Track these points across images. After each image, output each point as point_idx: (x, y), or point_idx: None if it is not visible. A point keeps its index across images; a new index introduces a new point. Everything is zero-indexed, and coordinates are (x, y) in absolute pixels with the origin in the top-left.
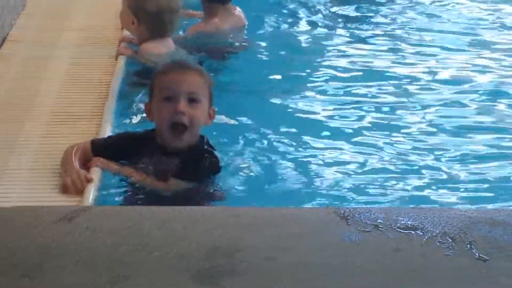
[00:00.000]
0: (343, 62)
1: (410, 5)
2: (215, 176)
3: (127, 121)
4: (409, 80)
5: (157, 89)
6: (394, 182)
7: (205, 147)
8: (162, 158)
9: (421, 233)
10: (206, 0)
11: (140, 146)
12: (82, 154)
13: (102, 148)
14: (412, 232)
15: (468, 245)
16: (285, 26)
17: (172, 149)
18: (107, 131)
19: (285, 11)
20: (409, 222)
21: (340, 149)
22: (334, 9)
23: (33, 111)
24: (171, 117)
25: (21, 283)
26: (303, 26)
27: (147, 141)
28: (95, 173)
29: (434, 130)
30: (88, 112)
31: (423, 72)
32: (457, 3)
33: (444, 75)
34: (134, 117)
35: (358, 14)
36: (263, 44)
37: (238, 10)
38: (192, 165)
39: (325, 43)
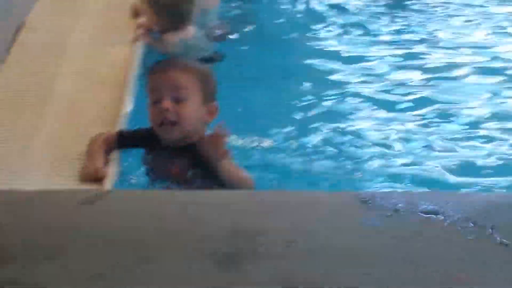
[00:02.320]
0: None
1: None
2: None
3: (145, 107)
4: (431, 62)
5: (147, 90)
6: (415, 166)
7: None
8: (168, 156)
9: (442, 218)
10: None
11: (150, 143)
12: (107, 143)
13: (127, 140)
14: (433, 216)
15: (490, 230)
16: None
17: (177, 147)
18: (125, 118)
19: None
20: (430, 207)
21: (360, 133)
22: None
23: (51, 97)
24: (159, 118)
25: (45, 265)
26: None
27: (156, 138)
28: (114, 159)
29: (457, 115)
30: (106, 98)
31: (445, 54)
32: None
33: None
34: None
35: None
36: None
37: None
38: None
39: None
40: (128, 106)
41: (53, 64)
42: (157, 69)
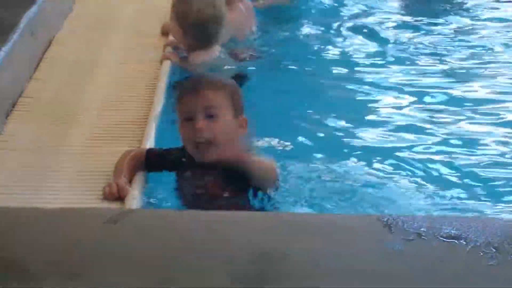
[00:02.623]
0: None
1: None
2: None
3: (173, 126)
4: (459, 87)
5: (178, 112)
6: (438, 190)
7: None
8: (202, 171)
9: (464, 243)
10: None
11: (182, 162)
12: (135, 161)
13: (155, 158)
14: (456, 241)
15: None
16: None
17: (213, 165)
18: (152, 136)
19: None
20: (452, 231)
21: (385, 156)
22: None
23: (79, 114)
24: (192, 136)
25: (67, 284)
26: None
27: (189, 157)
28: (139, 177)
29: (481, 139)
30: (133, 116)
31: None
32: None
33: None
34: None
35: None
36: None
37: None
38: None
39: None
40: (156, 124)
41: (81, 80)
42: (187, 89)
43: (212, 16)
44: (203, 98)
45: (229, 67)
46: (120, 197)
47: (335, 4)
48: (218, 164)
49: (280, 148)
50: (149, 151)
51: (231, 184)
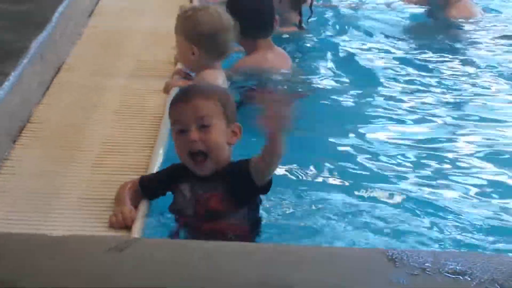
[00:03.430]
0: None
1: None
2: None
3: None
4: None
5: (171, 122)
6: (443, 225)
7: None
8: (196, 183)
9: (469, 279)
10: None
11: (180, 175)
12: (132, 191)
13: (149, 183)
14: (460, 277)
15: None
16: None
17: (209, 174)
18: (158, 163)
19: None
20: (457, 267)
21: (390, 189)
22: None
23: (85, 139)
24: (186, 148)
25: None
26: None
27: (184, 169)
28: (142, 206)
29: (488, 172)
30: (140, 143)
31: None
32: None
33: None
34: None
35: None
36: None
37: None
38: (237, 178)
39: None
40: (162, 152)
41: (89, 105)
42: (177, 100)
43: (222, 25)
44: (195, 108)
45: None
46: (126, 225)
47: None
48: (215, 175)
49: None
50: (141, 178)
51: (230, 194)
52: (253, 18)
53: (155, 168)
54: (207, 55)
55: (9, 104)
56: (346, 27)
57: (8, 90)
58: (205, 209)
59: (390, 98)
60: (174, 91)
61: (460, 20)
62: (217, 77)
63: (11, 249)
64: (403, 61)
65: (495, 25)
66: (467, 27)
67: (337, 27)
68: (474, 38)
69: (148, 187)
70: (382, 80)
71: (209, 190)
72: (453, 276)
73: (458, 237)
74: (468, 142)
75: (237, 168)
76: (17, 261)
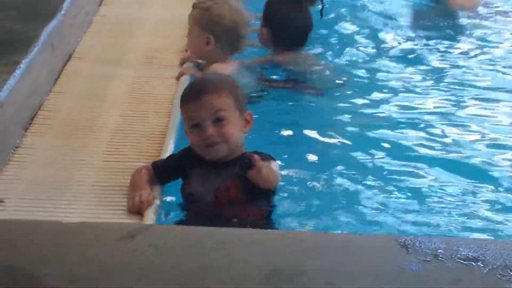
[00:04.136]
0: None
1: None
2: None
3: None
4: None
5: (184, 118)
6: (456, 211)
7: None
8: (211, 170)
9: (482, 265)
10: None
11: (191, 160)
12: (147, 175)
13: (161, 169)
14: (473, 263)
15: None
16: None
17: (222, 162)
18: (169, 150)
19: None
20: (470, 253)
21: (403, 176)
22: None
23: (96, 127)
24: (202, 141)
25: None
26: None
27: (196, 155)
28: (156, 192)
29: (501, 159)
30: (151, 131)
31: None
32: None
33: None
34: None
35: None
36: None
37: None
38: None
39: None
40: (174, 139)
41: (99, 94)
42: (189, 95)
43: (242, 19)
44: (207, 105)
45: (247, 84)
46: (144, 209)
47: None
48: (228, 164)
49: (295, 171)
50: (154, 163)
51: (240, 182)
52: (286, 29)
53: (166, 155)
54: (222, 49)
55: (19, 92)
56: (346, 13)
57: (19, 79)
58: (227, 198)
59: (399, 85)
60: (184, 79)
61: (463, 7)
62: (227, 71)
63: (23, 236)
64: (405, 49)
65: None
66: (470, 14)
67: (339, 12)
68: (478, 25)
69: (161, 171)
70: (387, 68)
71: (223, 179)
72: (466, 263)
73: (471, 223)
74: (480, 127)
75: (245, 167)
76: (29, 249)
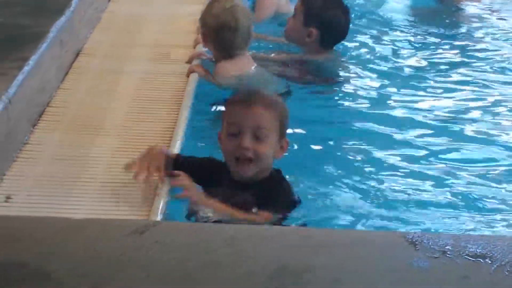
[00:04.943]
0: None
1: None
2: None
3: (198, 139)
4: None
5: (224, 122)
6: (463, 208)
7: (278, 181)
8: (234, 190)
9: (490, 262)
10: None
11: (216, 174)
12: (164, 157)
13: (184, 165)
14: (481, 260)
15: None
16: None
17: (245, 182)
18: (178, 148)
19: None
20: (478, 250)
21: (411, 173)
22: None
23: (105, 124)
24: (235, 151)
25: None
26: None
27: (223, 171)
28: (165, 186)
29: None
30: (159, 127)
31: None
32: None
33: None
34: (205, 135)
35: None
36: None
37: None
38: (268, 197)
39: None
40: (181, 136)
41: (108, 90)
42: (240, 101)
43: (228, 22)
44: (255, 117)
45: (267, 83)
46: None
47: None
48: (251, 183)
49: (302, 166)
50: (178, 155)
51: (259, 205)
52: (335, 29)
53: (175, 151)
54: (214, 49)
55: (28, 89)
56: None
57: (27, 75)
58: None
59: (408, 83)
60: (193, 76)
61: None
62: (229, 70)
63: (32, 232)
64: (409, 47)
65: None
66: (474, 11)
67: None
68: (482, 23)
69: (182, 166)
70: (390, 65)
71: (241, 197)
72: (474, 259)
73: (479, 220)
74: (487, 124)
75: (267, 194)
76: (38, 245)
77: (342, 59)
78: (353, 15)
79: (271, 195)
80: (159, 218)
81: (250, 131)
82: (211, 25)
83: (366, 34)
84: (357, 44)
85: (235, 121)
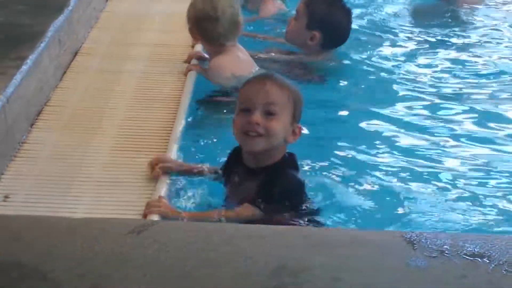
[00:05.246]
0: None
1: None
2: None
3: (196, 138)
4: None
5: (238, 102)
6: (462, 207)
7: (287, 169)
8: (246, 176)
9: (487, 261)
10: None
11: (230, 161)
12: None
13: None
14: (479, 259)
15: None
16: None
17: (255, 168)
18: (175, 146)
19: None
20: (476, 249)
21: (409, 172)
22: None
23: (103, 123)
24: (245, 127)
25: None
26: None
27: (236, 156)
28: (162, 186)
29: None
30: (157, 127)
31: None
32: None
33: None
34: (203, 133)
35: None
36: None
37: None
38: (267, 187)
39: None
40: (179, 136)
41: (106, 89)
42: (253, 80)
43: (204, 13)
44: (267, 92)
45: None
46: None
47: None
48: (258, 169)
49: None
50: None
51: (261, 194)
52: (337, 32)
53: (172, 151)
54: (203, 42)
55: (26, 87)
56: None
57: (26, 74)
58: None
59: (407, 84)
60: (191, 75)
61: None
62: (222, 65)
63: (29, 232)
64: (409, 47)
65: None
66: (477, 12)
67: None
68: (485, 24)
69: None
70: (393, 65)
71: (252, 183)
72: (472, 259)
73: (477, 219)
74: (488, 123)
75: (268, 183)
76: (36, 244)
77: (340, 59)
78: (354, 12)
79: (270, 185)
80: (157, 217)
81: (262, 107)
82: (191, 16)
83: (365, 32)
84: (357, 42)
85: (247, 97)
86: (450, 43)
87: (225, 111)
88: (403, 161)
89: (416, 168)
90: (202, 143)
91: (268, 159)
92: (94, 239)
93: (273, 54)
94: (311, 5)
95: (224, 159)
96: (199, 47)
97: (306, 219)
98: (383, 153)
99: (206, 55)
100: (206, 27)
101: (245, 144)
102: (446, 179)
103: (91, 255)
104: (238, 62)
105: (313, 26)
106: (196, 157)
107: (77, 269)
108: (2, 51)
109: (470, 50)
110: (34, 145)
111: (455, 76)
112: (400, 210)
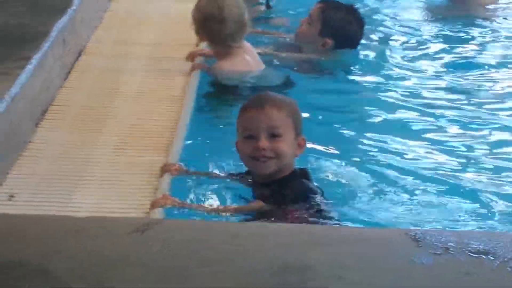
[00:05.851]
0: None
1: None
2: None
3: (200, 137)
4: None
5: (239, 129)
6: (466, 205)
7: (298, 178)
8: (256, 187)
9: (492, 258)
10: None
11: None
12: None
13: None
14: (483, 256)
15: None
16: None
17: (265, 181)
18: (179, 145)
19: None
20: (480, 246)
21: (413, 169)
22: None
23: (107, 122)
24: (253, 153)
25: None
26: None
27: (245, 179)
28: (166, 185)
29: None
30: (161, 126)
31: None
32: None
33: None
34: (207, 132)
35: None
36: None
37: None
38: (280, 194)
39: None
40: (183, 135)
41: (110, 89)
42: (250, 106)
43: (213, 13)
44: (268, 117)
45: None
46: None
47: None
48: (270, 182)
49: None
50: None
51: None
52: (349, 37)
53: (176, 150)
54: (209, 43)
55: (31, 87)
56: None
57: (30, 74)
58: None
59: (413, 83)
60: (195, 74)
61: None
62: (225, 68)
63: (34, 231)
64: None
65: None
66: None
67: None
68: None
69: None
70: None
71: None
72: (476, 256)
73: (482, 217)
74: (493, 122)
75: (286, 193)
76: (40, 243)
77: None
78: (365, 9)
79: (283, 191)
80: (161, 216)
81: (266, 132)
82: (197, 17)
83: (375, 31)
84: (368, 42)
85: (249, 125)
86: (463, 42)
87: (230, 109)
88: (409, 157)
89: (421, 164)
90: (206, 142)
91: (278, 174)
92: (98, 238)
93: (282, 53)
94: (326, 11)
95: (228, 158)
96: (203, 45)
97: (319, 215)
98: (388, 150)
99: (210, 53)
100: (212, 28)
101: (255, 168)
102: (451, 176)
103: (95, 254)
104: (245, 65)
105: (327, 33)
106: (201, 156)
107: (81, 268)
108: (7, 51)
109: (483, 49)
110: (39, 144)
111: (464, 75)
112: (405, 207)
